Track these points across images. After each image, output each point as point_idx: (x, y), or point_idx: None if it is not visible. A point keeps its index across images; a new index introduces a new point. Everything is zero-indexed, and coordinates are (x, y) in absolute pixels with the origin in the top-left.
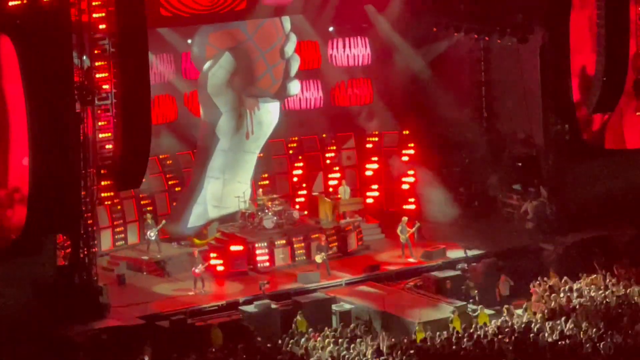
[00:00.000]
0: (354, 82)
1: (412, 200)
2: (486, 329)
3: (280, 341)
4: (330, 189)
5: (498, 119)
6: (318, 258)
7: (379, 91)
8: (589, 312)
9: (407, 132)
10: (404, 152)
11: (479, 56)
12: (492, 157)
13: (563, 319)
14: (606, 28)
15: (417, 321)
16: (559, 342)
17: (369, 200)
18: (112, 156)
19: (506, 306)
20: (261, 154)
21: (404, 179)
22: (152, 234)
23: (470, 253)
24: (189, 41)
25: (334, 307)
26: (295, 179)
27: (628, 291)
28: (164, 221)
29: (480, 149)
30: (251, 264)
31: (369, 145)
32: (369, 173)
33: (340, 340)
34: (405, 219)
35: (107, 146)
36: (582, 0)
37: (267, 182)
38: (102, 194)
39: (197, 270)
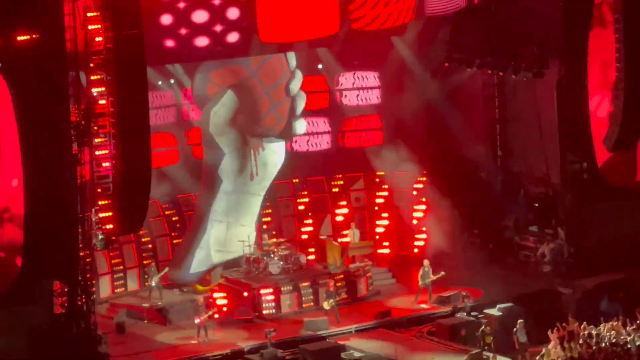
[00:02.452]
0: (363, 120)
1: (422, 237)
2: None
3: None
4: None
5: (513, 157)
6: (326, 304)
7: (390, 129)
8: (609, 359)
9: (422, 179)
10: (415, 186)
11: (493, 92)
12: (507, 197)
13: None
14: (625, 64)
15: None
16: None
17: (383, 251)
18: (111, 199)
19: (523, 353)
20: (266, 196)
21: (414, 214)
22: (153, 282)
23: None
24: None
25: (343, 355)
26: (303, 221)
27: None
28: (167, 268)
29: (495, 188)
30: (256, 310)
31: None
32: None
33: None
34: (427, 262)
35: (105, 189)
36: (595, 37)
37: (272, 225)
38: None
39: (200, 319)
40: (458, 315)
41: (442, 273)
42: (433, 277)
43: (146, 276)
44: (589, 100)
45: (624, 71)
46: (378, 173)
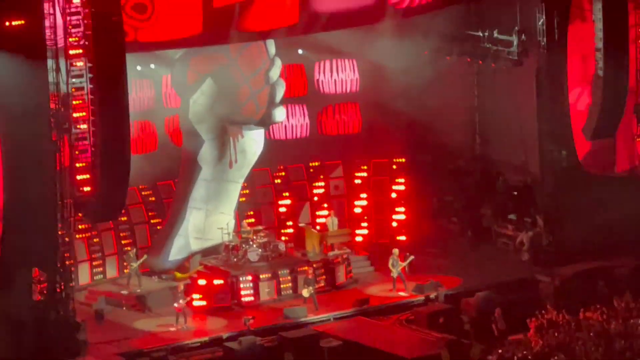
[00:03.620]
0: (341, 108)
1: (403, 231)
2: None
3: None
4: (318, 220)
5: (492, 145)
6: (305, 292)
7: (368, 117)
8: (588, 346)
9: (400, 160)
10: (394, 187)
11: (472, 80)
12: (486, 185)
13: (561, 354)
14: (604, 52)
15: (408, 357)
16: None
17: (358, 239)
18: (90, 186)
19: (502, 341)
20: (245, 184)
21: (395, 209)
22: (133, 267)
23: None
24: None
25: (322, 342)
26: (281, 209)
27: (628, 325)
28: (145, 255)
29: (474, 176)
30: (235, 298)
31: (358, 181)
32: (358, 210)
33: None
34: (396, 251)
35: (84, 176)
36: (575, 31)
37: (251, 212)
38: (79, 226)
39: (178, 305)
40: (431, 296)
41: (412, 257)
42: (402, 264)
43: (125, 263)
44: (569, 94)
45: (604, 59)
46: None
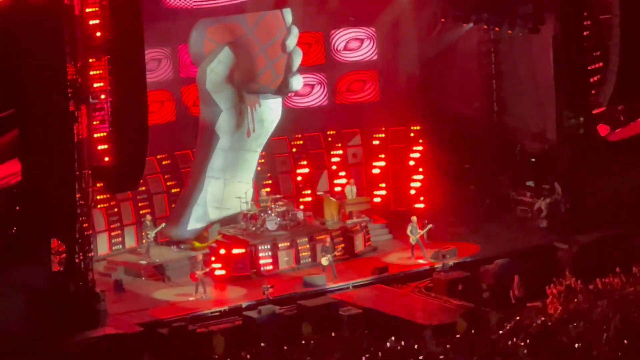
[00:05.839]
0: (359, 77)
1: (421, 199)
2: (500, 331)
3: (285, 347)
4: (336, 189)
5: (509, 113)
6: (324, 260)
7: (386, 85)
8: (606, 313)
9: (416, 127)
10: (411, 155)
11: (489, 48)
12: (503, 153)
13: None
14: (621, 16)
15: (427, 325)
16: (575, 344)
17: (377, 200)
18: (108, 157)
19: (520, 309)
20: (263, 152)
21: (413, 177)
22: (150, 236)
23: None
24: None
25: (341, 311)
26: (299, 178)
27: None
28: (163, 224)
29: (491, 144)
30: (254, 267)
31: (376, 142)
32: (376, 171)
33: None
34: (414, 218)
35: (102, 146)
36: None
37: (269, 181)
38: (98, 197)
39: (196, 275)
40: (439, 268)
41: (430, 225)
42: (421, 232)
43: (142, 233)
44: None
45: (620, 24)
46: (376, 135)
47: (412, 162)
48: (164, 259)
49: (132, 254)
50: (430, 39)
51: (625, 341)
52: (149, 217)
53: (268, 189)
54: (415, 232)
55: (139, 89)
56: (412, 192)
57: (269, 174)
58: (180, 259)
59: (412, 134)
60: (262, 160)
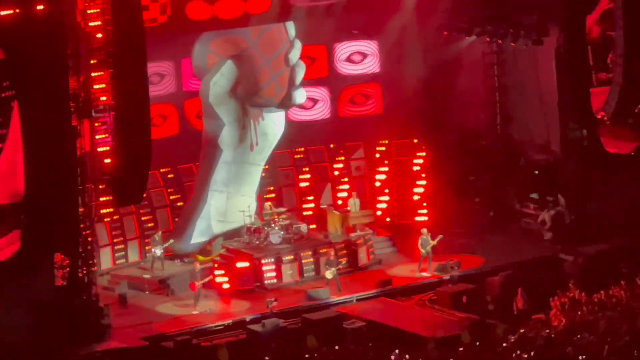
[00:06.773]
0: (362, 90)
1: (424, 212)
2: (504, 343)
3: None
4: (339, 202)
5: (513, 124)
6: (328, 273)
7: (389, 98)
8: (612, 325)
9: (417, 140)
10: (414, 161)
11: (492, 60)
12: (507, 165)
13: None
14: (625, 30)
15: (432, 338)
16: (580, 357)
17: (379, 213)
18: (111, 171)
19: (524, 320)
20: (266, 166)
21: (415, 190)
22: (157, 251)
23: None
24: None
25: (345, 324)
26: (302, 190)
27: None
28: (171, 240)
29: (495, 156)
30: (258, 280)
31: (379, 150)
32: (378, 184)
33: None
34: (425, 230)
35: (105, 160)
36: None
37: (272, 195)
38: (101, 211)
39: (195, 285)
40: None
41: (441, 236)
42: (433, 242)
43: (147, 247)
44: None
45: (623, 36)
46: (378, 148)
47: (416, 173)
48: (168, 273)
49: (136, 268)
50: (434, 51)
51: (635, 351)
52: (160, 233)
53: (270, 203)
54: (426, 244)
55: (142, 102)
56: (416, 199)
57: (272, 187)
58: (183, 273)
59: (415, 147)
60: (264, 175)
